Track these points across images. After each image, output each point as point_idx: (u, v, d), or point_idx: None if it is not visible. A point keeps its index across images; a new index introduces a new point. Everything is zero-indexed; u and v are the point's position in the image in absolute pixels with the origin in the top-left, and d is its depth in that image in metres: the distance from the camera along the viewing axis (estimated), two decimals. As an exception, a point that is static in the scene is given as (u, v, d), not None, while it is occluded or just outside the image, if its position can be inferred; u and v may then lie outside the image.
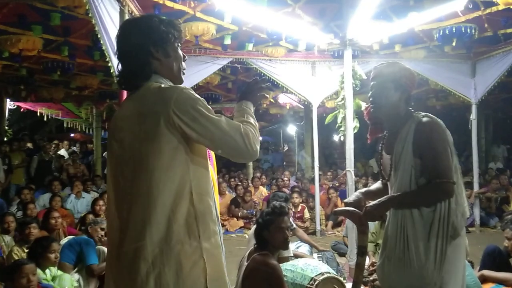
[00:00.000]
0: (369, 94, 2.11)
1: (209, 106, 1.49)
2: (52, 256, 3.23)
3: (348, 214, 2.13)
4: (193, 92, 1.49)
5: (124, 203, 1.49)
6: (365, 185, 7.58)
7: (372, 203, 2.00)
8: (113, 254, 1.50)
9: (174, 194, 1.43)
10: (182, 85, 1.54)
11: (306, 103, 7.30)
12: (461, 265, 1.96)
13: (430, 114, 2.00)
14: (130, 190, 1.47)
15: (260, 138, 1.55)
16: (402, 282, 1.92)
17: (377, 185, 2.36)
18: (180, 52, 1.62)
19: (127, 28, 1.59)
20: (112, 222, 1.53)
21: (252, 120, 1.58)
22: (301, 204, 7.17)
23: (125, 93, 3.88)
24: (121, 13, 3.95)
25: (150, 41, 1.53)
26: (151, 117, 1.43)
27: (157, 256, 1.40)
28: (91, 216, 4.99)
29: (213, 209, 1.53)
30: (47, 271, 3.15)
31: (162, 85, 1.50)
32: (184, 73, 1.65)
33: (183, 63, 1.64)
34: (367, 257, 4.75)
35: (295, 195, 7.06)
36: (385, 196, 2.00)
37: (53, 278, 3.18)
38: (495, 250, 3.73)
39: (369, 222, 5.35)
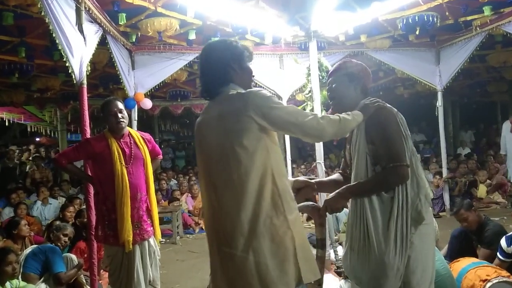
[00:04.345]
0: (327, 89, 2.19)
1: (279, 100, 1.78)
2: (9, 268, 3.05)
3: (308, 209, 2.14)
4: (265, 92, 1.77)
5: (214, 193, 1.78)
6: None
7: (331, 195, 2.01)
8: (213, 237, 1.81)
9: (260, 177, 1.69)
10: (256, 88, 1.83)
11: (276, 96, 7.27)
12: (430, 253, 1.98)
13: (380, 101, 2.02)
14: (220, 180, 1.75)
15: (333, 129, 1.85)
16: (366, 270, 1.93)
17: (333, 176, 2.40)
18: (251, 68, 1.93)
19: (211, 47, 1.94)
20: (207, 211, 1.85)
21: (338, 118, 1.85)
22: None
23: (85, 93, 3.75)
24: (77, 10, 3.77)
25: (230, 55, 1.85)
26: (235, 116, 1.72)
27: (251, 230, 1.66)
28: (57, 223, 4.81)
29: (290, 188, 1.80)
30: (7, 284, 2.99)
31: (239, 91, 1.79)
32: (253, 85, 1.96)
33: (252, 77, 1.95)
34: (341, 248, 4.81)
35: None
36: (343, 187, 2.02)
37: (15, 290, 3.02)
38: (462, 233, 3.86)
39: (342, 213, 5.40)
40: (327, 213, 2.04)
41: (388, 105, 2.02)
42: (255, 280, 1.66)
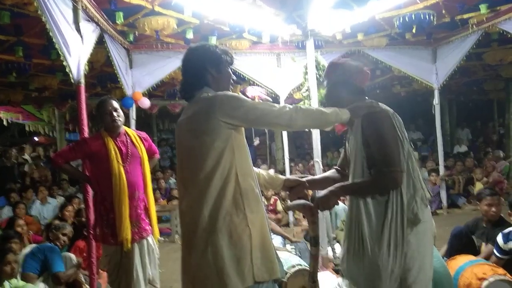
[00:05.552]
0: (325, 90, 2.21)
1: (243, 97, 1.85)
2: (8, 268, 3.03)
3: (300, 207, 2.15)
4: (231, 94, 1.85)
5: (184, 189, 1.89)
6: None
7: (322, 192, 2.01)
8: (182, 231, 1.92)
9: (224, 177, 1.76)
10: (223, 92, 1.88)
11: (273, 95, 7.29)
12: (428, 250, 1.98)
13: (375, 104, 2.03)
14: (189, 177, 1.84)
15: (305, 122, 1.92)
16: (362, 273, 1.94)
17: (327, 173, 2.42)
18: (230, 72, 2.00)
19: (191, 51, 2.00)
20: (179, 206, 1.95)
21: (311, 109, 1.99)
22: (273, 197, 7.18)
23: (83, 92, 3.75)
24: (74, 9, 3.77)
25: (207, 60, 1.92)
26: (203, 118, 1.79)
27: (212, 225, 1.74)
28: (56, 222, 4.81)
29: (255, 187, 1.85)
30: (5, 283, 2.98)
31: (210, 94, 1.86)
32: (232, 90, 2.01)
33: (231, 80, 2.02)
34: (339, 245, 4.83)
35: (266, 188, 7.06)
36: (334, 185, 2.02)
37: (14, 290, 3.02)
38: (462, 232, 3.83)
39: (341, 210, 5.39)
40: (319, 211, 2.03)
41: (384, 107, 2.02)
42: (213, 273, 1.74)
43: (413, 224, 1.91)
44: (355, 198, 1.98)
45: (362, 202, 1.94)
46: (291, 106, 1.86)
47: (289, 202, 2.26)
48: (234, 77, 2.04)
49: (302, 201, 2.09)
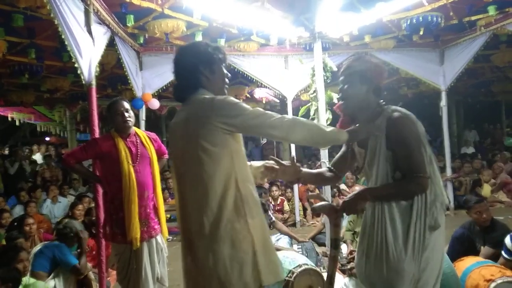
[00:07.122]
0: (339, 89, 2.14)
1: (243, 104, 1.76)
2: (21, 266, 3.09)
3: (325, 209, 2.14)
4: (230, 100, 1.76)
5: (180, 194, 1.84)
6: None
7: (349, 196, 2.00)
8: (182, 236, 1.86)
9: (223, 183, 1.71)
10: (221, 96, 1.81)
11: (281, 96, 7.33)
12: (440, 252, 1.99)
13: (399, 108, 2.01)
14: (185, 182, 1.79)
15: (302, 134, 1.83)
16: (382, 276, 1.93)
17: (321, 170, 2.42)
18: (224, 70, 1.91)
19: (181, 52, 1.92)
20: (177, 211, 1.89)
21: (311, 123, 1.87)
22: (280, 197, 7.21)
23: (94, 94, 3.82)
24: (86, 12, 3.83)
25: (199, 61, 1.84)
26: (199, 120, 1.72)
27: (213, 234, 1.70)
28: (67, 221, 4.88)
29: (254, 192, 1.81)
30: (17, 281, 3.06)
31: (206, 96, 1.78)
32: (227, 88, 1.95)
33: (226, 79, 1.93)
34: (345, 246, 4.86)
35: (274, 188, 7.10)
36: (363, 189, 2.02)
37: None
38: (464, 234, 3.83)
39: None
40: (344, 214, 2.04)
41: (408, 112, 1.99)
42: (215, 281, 1.72)
43: (433, 229, 1.93)
44: (379, 202, 1.96)
45: (386, 206, 1.93)
46: (290, 117, 1.79)
47: (313, 204, 2.24)
48: (229, 75, 1.95)
49: (327, 203, 2.09)
